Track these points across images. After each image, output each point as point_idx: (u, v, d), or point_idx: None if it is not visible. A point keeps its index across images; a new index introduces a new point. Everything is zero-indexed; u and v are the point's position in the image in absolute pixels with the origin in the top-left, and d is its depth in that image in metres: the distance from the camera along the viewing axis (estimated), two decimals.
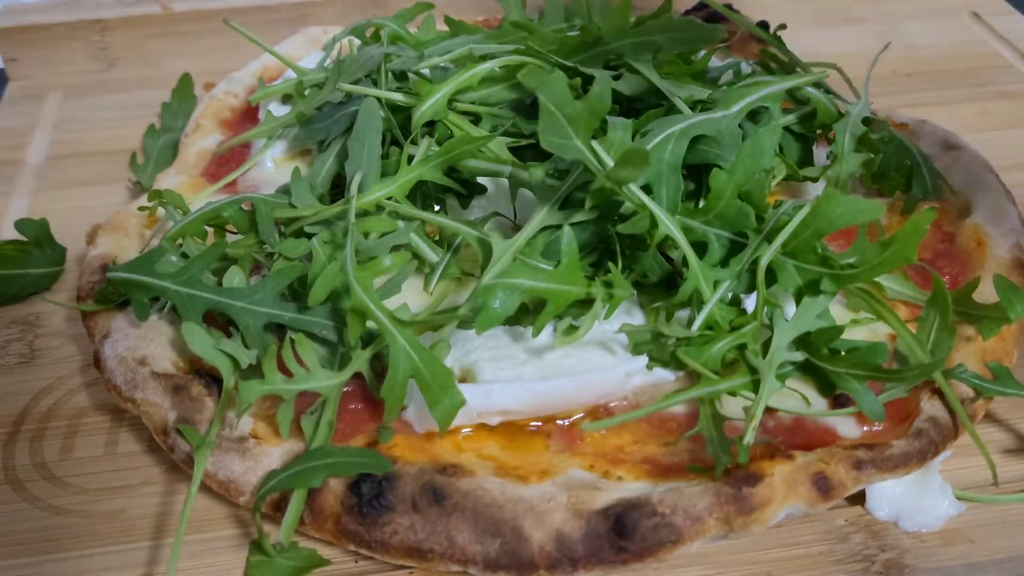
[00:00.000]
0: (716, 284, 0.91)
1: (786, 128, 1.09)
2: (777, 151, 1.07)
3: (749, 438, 0.82)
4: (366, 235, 0.95)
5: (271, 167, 1.21)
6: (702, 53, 1.19)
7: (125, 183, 1.33)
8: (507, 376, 0.87)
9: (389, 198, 0.99)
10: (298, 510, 0.84)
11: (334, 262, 0.92)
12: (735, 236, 0.93)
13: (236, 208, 1.03)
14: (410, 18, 1.33)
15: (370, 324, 0.89)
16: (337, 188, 1.10)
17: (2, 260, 1.12)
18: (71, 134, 1.44)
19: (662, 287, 0.95)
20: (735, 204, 0.92)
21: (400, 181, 0.99)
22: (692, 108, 1.02)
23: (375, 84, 1.15)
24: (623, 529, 0.79)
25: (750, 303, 0.92)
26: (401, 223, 0.99)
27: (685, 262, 0.91)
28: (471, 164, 1.00)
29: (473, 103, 1.08)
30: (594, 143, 0.89)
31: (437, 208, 1.04)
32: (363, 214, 0.97)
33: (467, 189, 1.05)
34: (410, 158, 1.02)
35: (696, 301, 0.91)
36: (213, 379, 0.93)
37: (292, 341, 0.90)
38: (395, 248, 0.96)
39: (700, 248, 0.93)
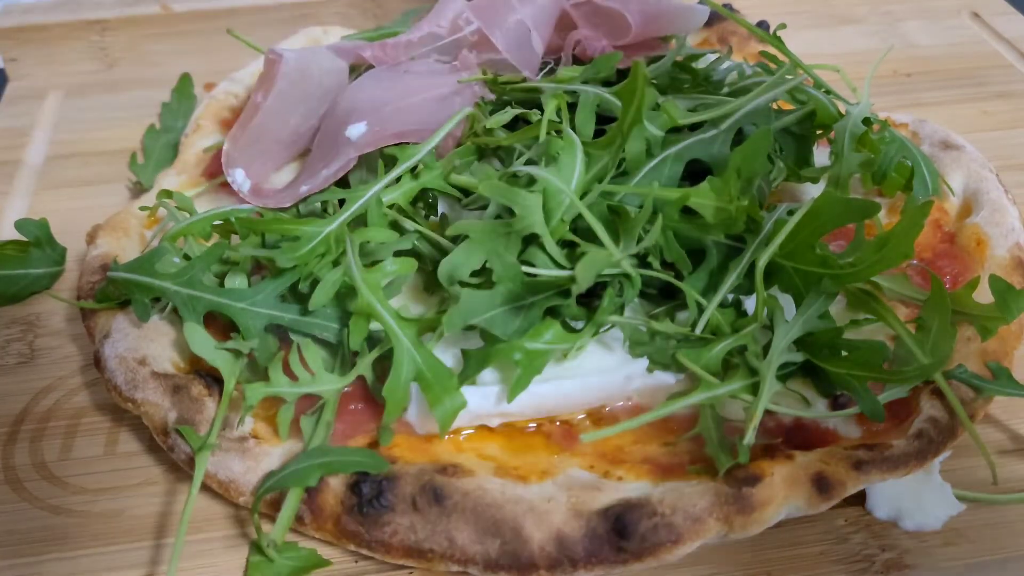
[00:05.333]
0: (716, 288, 0.91)
1: (785, 129, 1.10)
2: (777, 152, 1.08)
3: (749, 439, 0.82)
4: (366, 243, 0.96)
5: None
6: (710, 59, 1.20)
7: (125, 183, 1.33)
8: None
9: (392, 206, 1.00)
10: (294, 509, 0.84)
11: (337, 266, 0.92)
12: (732, 242, 0.93)
13: (244, 213, 1.04)
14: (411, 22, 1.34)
15: (372, 327, 0.89)
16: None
17: (2, 260, 1.12)
18: (71, 134, 1.44)
19: (662, 295, 0.95)
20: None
21: (403, 189, 1.00)
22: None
23: None
24: (623, 529, 0.79)
25: (750, 305, 0.92)
26: (408, 225, 0.99)
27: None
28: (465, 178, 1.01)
29: None
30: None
31: (442, 211, 1.04)
32: (363, 217, 0.98)
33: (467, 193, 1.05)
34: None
35: (695, 306, 0.91)
36: (213, 379, 0.93)
37: (299, 347, 0.90)
38: (399, 253, 0.96)
39: (698, 255, 0.93)
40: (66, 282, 1.16)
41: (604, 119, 1.02)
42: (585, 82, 1.06)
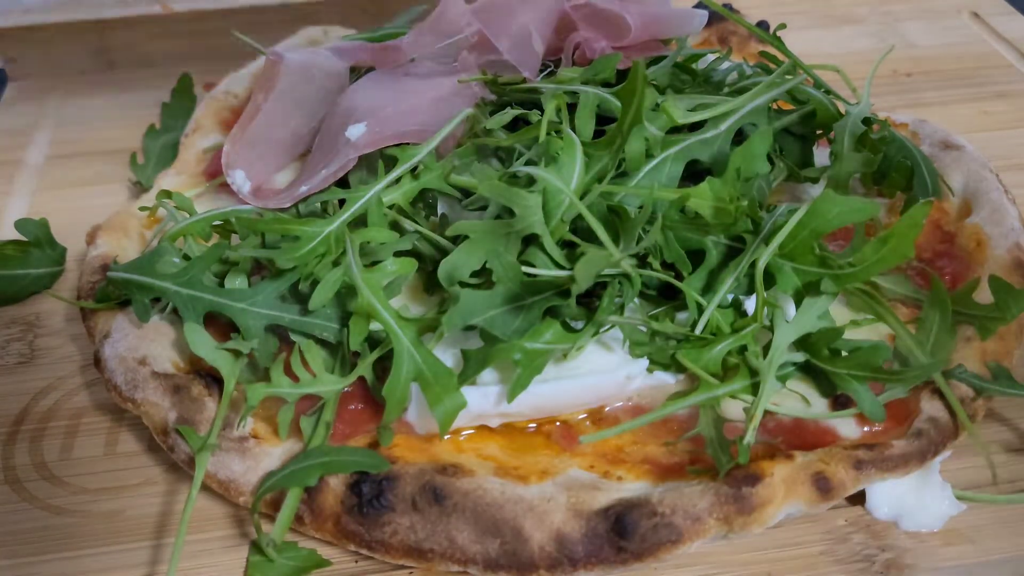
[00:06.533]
0: (715, 288, 0.91)
1: (785, 129, 1.10)
2: (777, 152, 1.08)
3: (749, 439, 0.82)
4: (366, 243, 0.96)
5: None
6: (710, 59, 1.20)
7: (125, 183, 1.33)
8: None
9: (392, 206, 1.00)
10: (293, 508, 0.84)
11: (337, 267, 0.92)
12: (732, 242, 0.93)
13: (244, 213, 1.04)
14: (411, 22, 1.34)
15: (372, 327, 0.89)
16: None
17: (2, 260, 1.12)
18: (71, 134, 1.44)
19: (662, 295, 0.95)
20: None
21: (403, 189, 1.00)
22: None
23: None
24: (623, 529, 0.79)
25: (750, 305, 0.92)
26: (409, 226, 0.99)
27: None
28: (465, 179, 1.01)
29: None
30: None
31: (442, 212, 1.04)
32: (364, 218, 0.98)
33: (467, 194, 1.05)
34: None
35: (695, 306, 0.91)
36: (213, 379, 0.93)
37: (300, 349, 0.90)
38: (399, 253, 0.96)
39: (698, 255, 0.93)
40: (66, 282, 1.16)
41: (604, 120, 1.02)
42: (585, 83, 1.06)
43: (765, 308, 0.89)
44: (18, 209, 1.29)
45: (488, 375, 0.88)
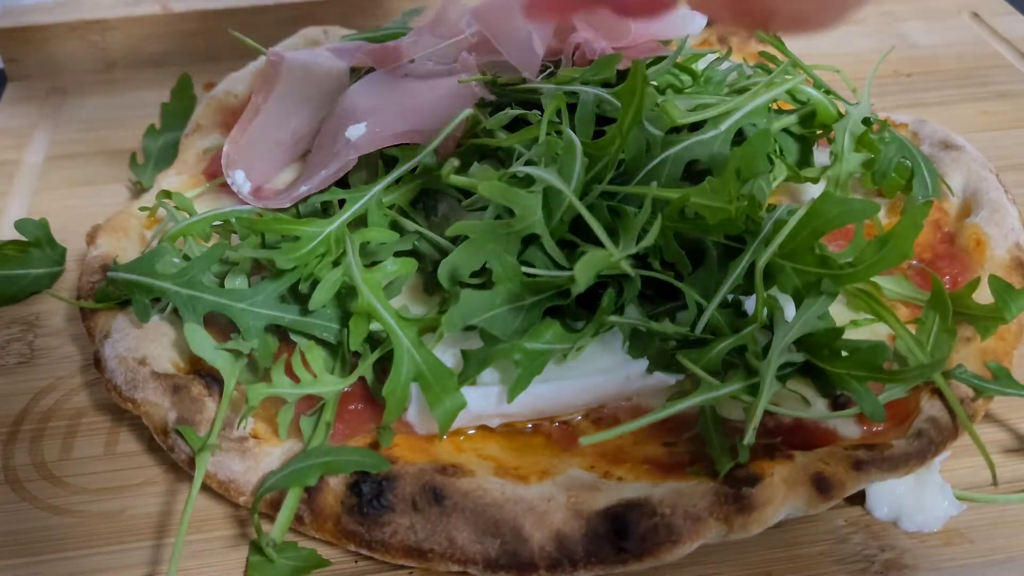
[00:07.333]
0: (715, 288, 0.91)
1: (785, 129, 1.10)
2: (777, 152, 1.08)
3: (749, 439, 0.82)
4: (366, 243, 0.96)
5: None
6: (710, 59, 1.20)
7: (125, 183, 1.33)
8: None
9: (392, 206, 1.00)
10: (292, 508, 0.84)
11: (337, 267, 0.92)
12: (732, 242, 0.93)
13: (244, 213, 1.04)
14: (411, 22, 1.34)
15: (372, 327, 0.89)
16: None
17: (2, 260, 1.12)
18: (71, 134, 1.44)
19: (662, 296, 0.95)
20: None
21: (403, 189, 1.01)
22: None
23: None
24: (623, 529, 0.79)
25: (750, 305, 0.92)
26: (409, 226, 0.99)
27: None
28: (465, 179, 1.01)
29: None
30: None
31: (442, 212, 1.04)
32: (364, 218, 0.98)
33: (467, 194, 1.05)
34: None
35: (695, 306, 0.91)
36: (213, 379, 0.93)
37: (300, 349, 0.91)
38: (399, 253, 0.96)
39: (698, 255, 0.93)
40: (66, 282, 1.16)
41: (604, 120, 1.02)
42: (585, 83, 1.06)
43: (765, 308, 0.89)
44: (18, 209, 1.29)
45: (488, 375, 0.89)
